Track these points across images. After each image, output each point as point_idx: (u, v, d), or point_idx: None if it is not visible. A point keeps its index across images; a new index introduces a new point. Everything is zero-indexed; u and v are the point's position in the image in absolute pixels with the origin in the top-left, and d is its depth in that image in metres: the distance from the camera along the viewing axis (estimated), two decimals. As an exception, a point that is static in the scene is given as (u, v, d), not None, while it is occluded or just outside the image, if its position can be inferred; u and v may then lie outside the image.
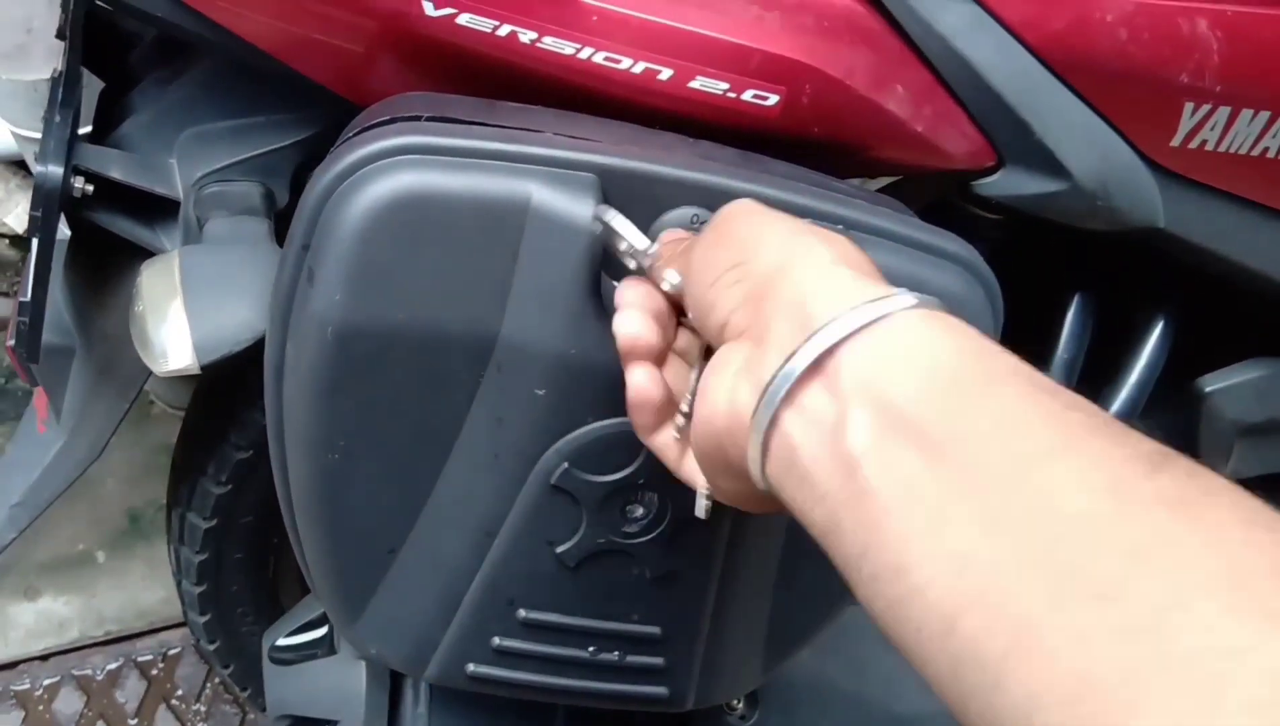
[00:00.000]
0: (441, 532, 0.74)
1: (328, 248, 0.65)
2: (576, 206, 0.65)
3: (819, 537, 0.44)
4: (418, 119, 0.67)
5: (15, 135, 1.45)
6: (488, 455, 0.71)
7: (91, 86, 0.92)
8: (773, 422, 0.45)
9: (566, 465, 0.70)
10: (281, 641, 0.93)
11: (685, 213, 0.68)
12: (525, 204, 0.65)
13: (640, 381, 0.58)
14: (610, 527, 0.73)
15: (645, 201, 0.68)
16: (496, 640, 0.77)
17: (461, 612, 0.76)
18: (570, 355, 0.67)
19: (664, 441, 0.60)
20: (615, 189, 0.67)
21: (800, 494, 0.44)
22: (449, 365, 0.68)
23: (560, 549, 0.73)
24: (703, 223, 0.68)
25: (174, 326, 0.76)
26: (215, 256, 0.82)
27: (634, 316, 0.58)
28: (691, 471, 0.58)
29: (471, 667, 0.78)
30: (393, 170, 0.64)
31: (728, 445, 0.50)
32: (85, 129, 0.88)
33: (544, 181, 0.65)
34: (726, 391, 0.49)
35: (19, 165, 1.68)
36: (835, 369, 0.43)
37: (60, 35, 0.91)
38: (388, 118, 0.67)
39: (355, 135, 0.67)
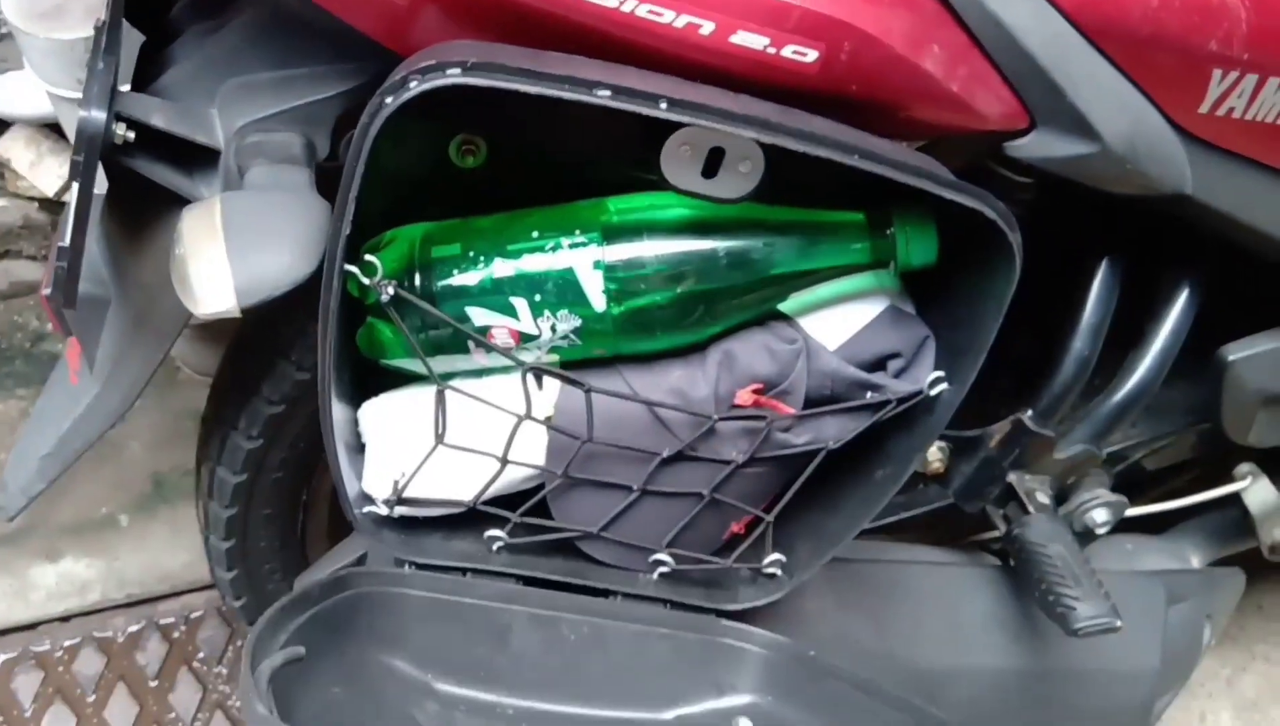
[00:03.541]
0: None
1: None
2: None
3: None
4: (463, 65, 0.68)
5: (50, 95, 1.46)
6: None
7: (130, 40, 0.92)
8: None
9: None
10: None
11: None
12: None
13: None
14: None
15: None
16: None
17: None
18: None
19: None
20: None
21: None
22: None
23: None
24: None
25: (215, 269, 0.77)
26: (257, 202, 0.82)
27: None
28: None
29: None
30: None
31: None
32: (124, 87, 0.89)
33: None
34: None
35: (52, 128, 1.69)
36: None
37: (103, -17, 0.92)
38: (434, 62, 0.68)
39: (401, 79, 0.68)
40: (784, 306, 0.86)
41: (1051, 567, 1.06)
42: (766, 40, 0.77)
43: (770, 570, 0.92)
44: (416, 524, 0.89)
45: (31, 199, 1.80)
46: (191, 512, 1.34)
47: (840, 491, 0.91)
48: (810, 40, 0.77)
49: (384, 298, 0.76)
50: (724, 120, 0.70)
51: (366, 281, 0.76)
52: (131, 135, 0.83)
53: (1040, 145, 0.87)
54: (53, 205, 1.80)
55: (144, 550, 1.77)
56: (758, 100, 0.77)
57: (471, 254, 0.81)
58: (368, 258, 0.76)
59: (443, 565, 0.88)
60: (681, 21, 0.76)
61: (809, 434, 0.86)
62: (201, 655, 1.71)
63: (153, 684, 1.68)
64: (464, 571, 0.88)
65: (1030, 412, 1.11)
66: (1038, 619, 1.12)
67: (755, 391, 0.83)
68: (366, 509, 0.87)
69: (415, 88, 0.67)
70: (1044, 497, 1.14)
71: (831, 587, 1.07)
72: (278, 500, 1.22)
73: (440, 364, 0.83)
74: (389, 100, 0.68)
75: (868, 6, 0.78)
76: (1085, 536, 1.19)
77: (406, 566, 0.87)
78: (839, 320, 0.87)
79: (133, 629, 1.72)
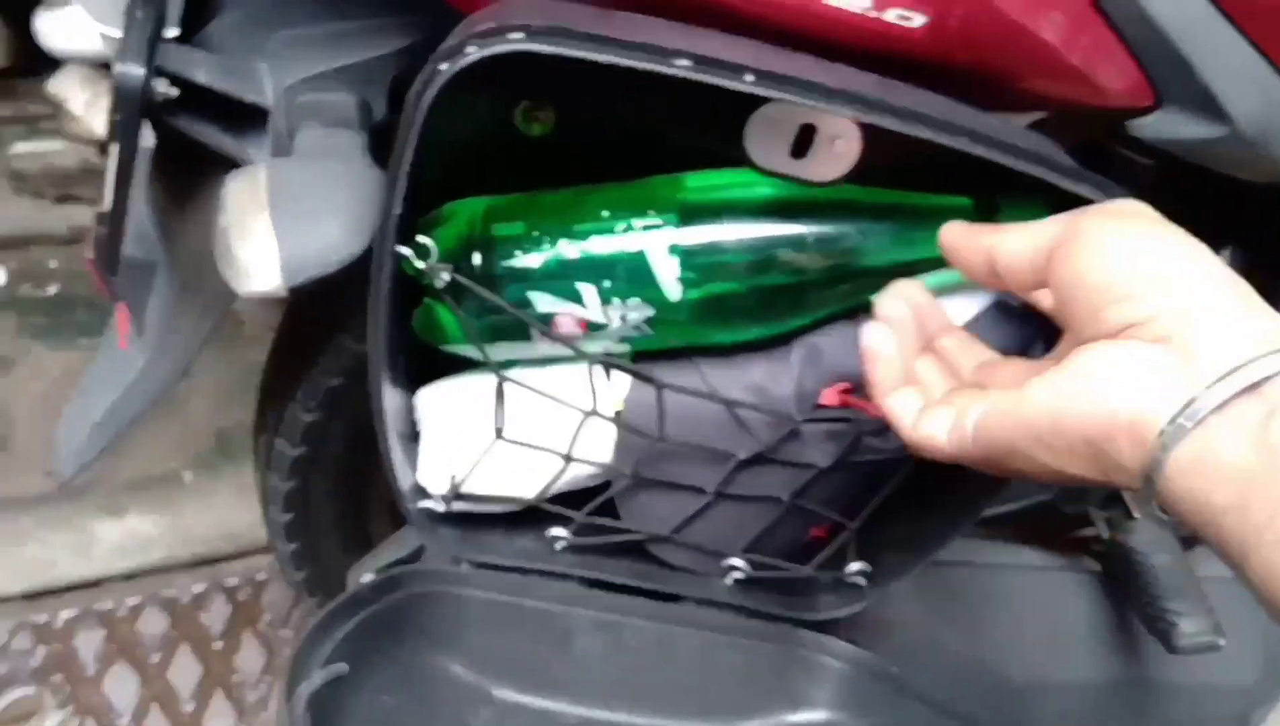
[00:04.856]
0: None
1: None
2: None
3: (1210, 519, 0.51)
4: (526, 29, 0.61)
5: (102, 36, 1.41)
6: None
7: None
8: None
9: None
10: (368, 579, 0.89)
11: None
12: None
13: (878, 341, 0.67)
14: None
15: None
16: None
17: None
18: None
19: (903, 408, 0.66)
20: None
21: (1198, 483, 0.51)
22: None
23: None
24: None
25: (260, 244, 0.72)
26: (306, 171, 0.77)
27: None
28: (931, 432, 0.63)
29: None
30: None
31: (1102, 438, 0.54)
32: (173, 32, 0.84)
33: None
34: (1131, 390, 0.53)
35: (108, 67, 1.65)
36: (1268, 385, 0.50)
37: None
38: (494, 25, 0.61)
39: (457, 44, 0.62)
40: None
41: (1154, 579, 1.00)
42: (868, 2, 0.69)
43: (853, 579, 0.85)
44: (475, 519, 0.84)
45: (89, 142, 1.76)
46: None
47: (933, 499, 0.84)
48: (917, 2, 0.70)
49: (439, 282, 0.70)
50: (818, 96, 0.63)
51: (421, 265, 0.70)
52: (174, 91, 0.78)
53: (1165, 125, 0.79)
54: (110, 148, 1.77)
55: (209, 509, 1.75)
56: (855, 70, 0.69)
57: (536, 234, 0.74)
58: (421, 239, 0.70)
59: (502, 564, 0.82)
60: (772, -22, 0.69)
61: (901, 438, 0.78)
62: (267, 618, 1.70)
63: (217, 645, 1.67)
64: (525, 571, 0.82)
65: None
66: (1135, 629, 1.06)
67: (843, 391, 0.76)
68: (422, 504, 0.81)
69: (473, 55, 0.60)
70: (1150, 501, 1.07)
71: (919, 592, 1.01)
72: (337, 474, 1.18)
73: (501, 351, 0.78)
74: (443, 67, 0.61)
75: (983, -34, 0.70)
76: (1188, 539, 1.12)
77: (464, 564, 0.82)
78: (941, 315, 0.79)
79: (197, 589, 1.71)
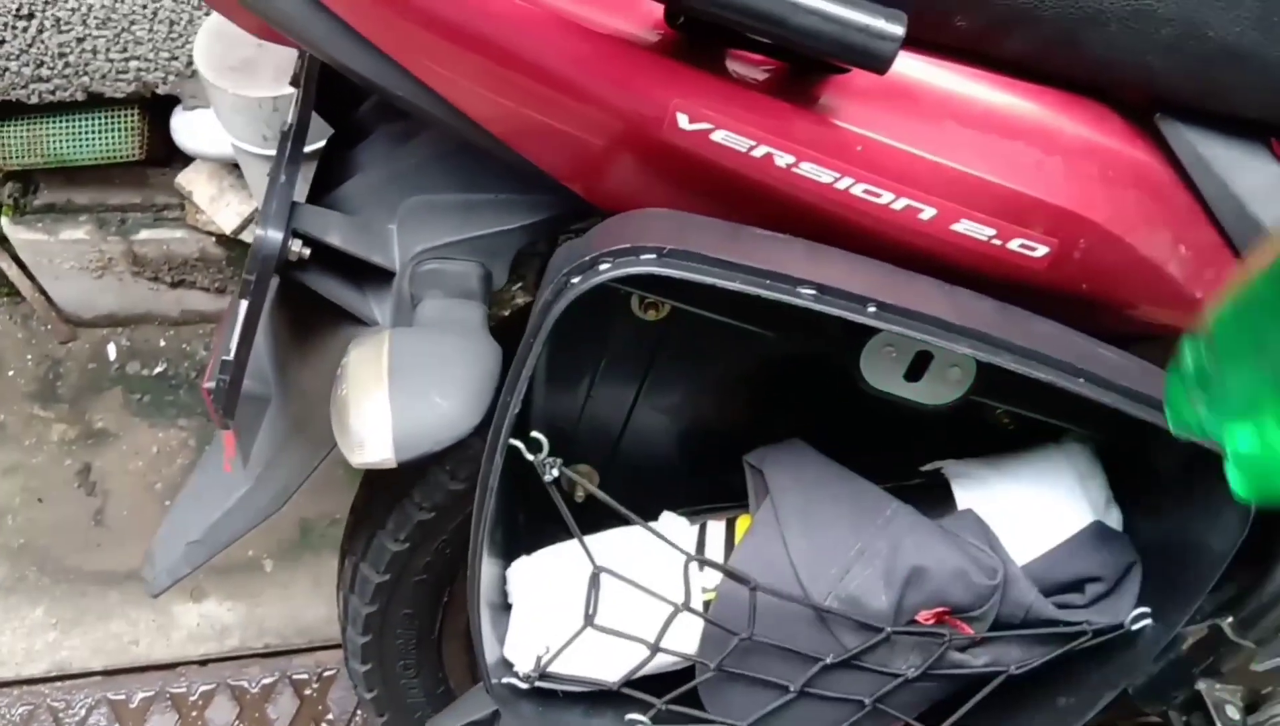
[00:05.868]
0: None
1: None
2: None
3: None
4: (659, 251, 0.62)
5: (235, 147, 1.46)
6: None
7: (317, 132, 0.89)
8: None
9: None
10: (448, 751, 0.89)
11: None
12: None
13: None
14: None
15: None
16: None
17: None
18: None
19: None
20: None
21: None
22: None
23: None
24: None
25: (375, 417, 0.73)
26: (427, 343, 0.78)
27: None
28: None
29: None
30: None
31: None
32: (317, 144, 0.86)
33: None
34: None
35: (233, 165, 1.70)
36: None
37: (294, 82, 0.89)
38: (627, 246, 0.62)
39: (590, 260, 0.63)
40: (978, 500, 0.78)
41: (1234, 798, 0.96)
42: (993, 232, 0.70)
43: (929, 784, 0.83)
44: (555, 696, 0.84)
45: (209, 233, 1.80)
46: (334, 565, 1.32)
47: (1016, 712, 0.82)
48: (1042, 235, 0.70)
49: (547, 477, 0.71)
50: (940, 334, 0.63)
51: (531, 458, 0.70)
52: (307, 252, 0.80)
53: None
54: (229, 240, 1.81)
55: (285, 599, 1.76)
56: (975, 297, 0.69)
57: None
58: (534, 435, 0.70)
59: (579, 746, 0.82)
60: (900, 204, 0.69)
61: (989, 655, 0.77)
62: (330, 716, 1.70)
63: (281, 740, 1.68)
64: (600, 755, 0.82)
65: (1231, 619, 1.00)
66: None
67: (939, 614, 0.75)
68: (506, 679, 0.81)
69: (605, 272, 0.62)
70: (1234, 712, 1.03)
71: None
72: (418, 600, 1.18)
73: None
74: (576, 281, 0.62)
75: (1112, 201, 0.70)
76: (1265, 744, 1.08)
77: (541, 742, 0.82)
78: (1037, 532, 0.78)
79: (266, 680, 1.72)
